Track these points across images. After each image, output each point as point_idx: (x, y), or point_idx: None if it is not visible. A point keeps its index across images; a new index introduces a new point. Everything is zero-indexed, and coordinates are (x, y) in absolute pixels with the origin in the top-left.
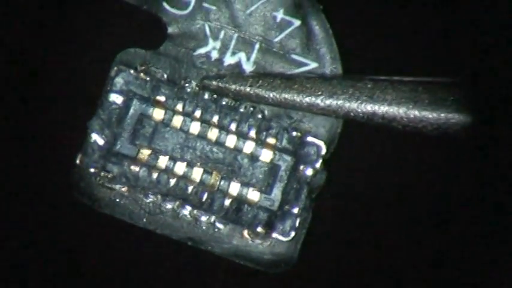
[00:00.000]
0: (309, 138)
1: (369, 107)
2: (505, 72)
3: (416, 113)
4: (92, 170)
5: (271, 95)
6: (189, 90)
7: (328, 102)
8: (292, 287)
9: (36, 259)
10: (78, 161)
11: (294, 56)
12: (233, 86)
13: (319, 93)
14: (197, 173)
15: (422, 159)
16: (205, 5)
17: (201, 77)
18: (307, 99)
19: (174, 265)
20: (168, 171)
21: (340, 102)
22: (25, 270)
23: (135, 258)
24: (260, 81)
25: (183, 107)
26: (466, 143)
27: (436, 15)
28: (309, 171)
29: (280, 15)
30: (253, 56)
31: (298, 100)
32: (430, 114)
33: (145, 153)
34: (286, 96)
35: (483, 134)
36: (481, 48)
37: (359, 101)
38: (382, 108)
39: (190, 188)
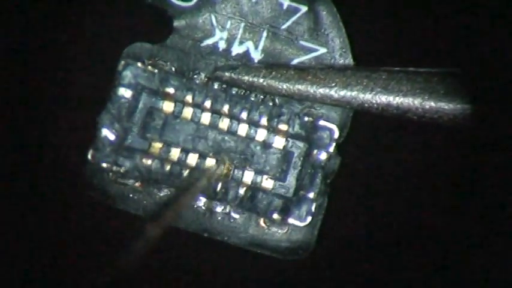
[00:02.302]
0: (321, 122)
1: (384, 98)
2: None
3: (432, 103)
4: (104, 165)
5: (284, 86)
6: (198, 81)
7: (342, 93)
8: (309, 274)
9: (49, 256)
10: (89, 157)
11: (303, 42)
12: (246, 77)
13: (333, 84)
14: (210, 163)
15: (437, 142)
16: None
17: (209, 68)
18: (321, 90)
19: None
20: (181, 163)
21: (354, 93)
22: (38, 267)
23: (151, 251)
24: (273, 72)
25: (193, 98)
26: (480, 132)
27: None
28: (323, 156)
29: (286, 2)
30: (261, 44)
31: (311, 91)
32: (445, 105)
33: (156, 146)
34: (300, 87)
35: (498, 124)
36: (492, 40)
37: (373, 92)
38: (397, 99)
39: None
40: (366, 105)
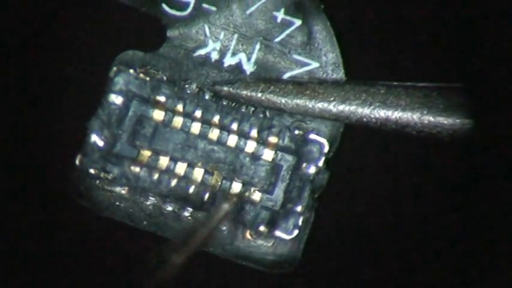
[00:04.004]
0: (312, 136)
1: (382, 113)
2: None
3: (431, 118)
4: (92, 171)
5: (283, 101)
6: (189, 91)
7: (340, 107)
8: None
9: (36, 263)
10: (77, 162)
11: (295, 56)
12: (244, 92)
13: (331, 98)
14: (198, 173)
15: (428, 158)
16: (205, 6)
17: (201, 78)
18: (320, 105)
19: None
20: (169, 172)
21: (352, 107)
22: (25, 274)
23: (136, 259)
24: (272, 87)
25: (184, 107)
26: (479, 148)
27: (441, 16)
28: (312, 170)
29: (280, 15)
30: (254, 57)
31: (310, 106)
32: (445, 120)
33: (145, 154)
34: (298, 102)
35: (497, 139)
36: (490, 53)
37: (372, 107)
38: (395, 114)
39: (191, 189)
40: (364, 119)
